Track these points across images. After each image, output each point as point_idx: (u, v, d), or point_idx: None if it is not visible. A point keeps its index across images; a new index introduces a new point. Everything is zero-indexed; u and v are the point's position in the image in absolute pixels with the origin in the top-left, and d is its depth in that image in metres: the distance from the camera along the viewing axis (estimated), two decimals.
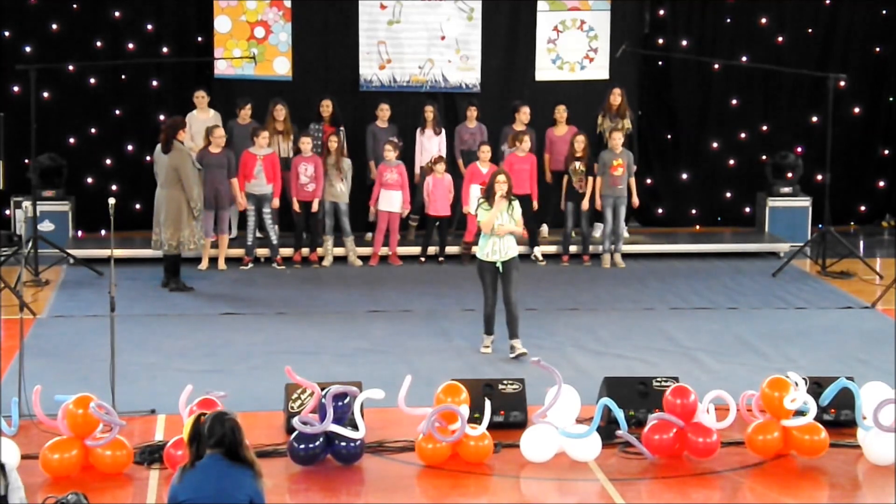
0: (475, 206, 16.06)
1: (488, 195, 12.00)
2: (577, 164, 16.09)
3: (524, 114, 16.52)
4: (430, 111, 16.55)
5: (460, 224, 16.67)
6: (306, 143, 15.84)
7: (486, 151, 16.03)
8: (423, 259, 16.28)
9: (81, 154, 17.37)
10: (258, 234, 16.03)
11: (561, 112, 16.64)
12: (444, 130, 16.66)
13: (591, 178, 16.13)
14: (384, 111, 16.53)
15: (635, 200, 16.24)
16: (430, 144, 16.59)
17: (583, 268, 16.07)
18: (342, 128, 16.42)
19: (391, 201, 16.02)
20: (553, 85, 17.43)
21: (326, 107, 16.39)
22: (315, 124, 16.40)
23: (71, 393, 9.34)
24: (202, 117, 16.11)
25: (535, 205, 16.08)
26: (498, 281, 12.05)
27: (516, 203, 12.02)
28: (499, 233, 11.90)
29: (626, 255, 16.30)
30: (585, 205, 16.09)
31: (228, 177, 15.49)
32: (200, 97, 16.42)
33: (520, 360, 11.80)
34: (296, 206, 15.86)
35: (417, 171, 16.62)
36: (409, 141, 16.73)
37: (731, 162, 18.39)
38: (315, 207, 15.91)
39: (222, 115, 16.65)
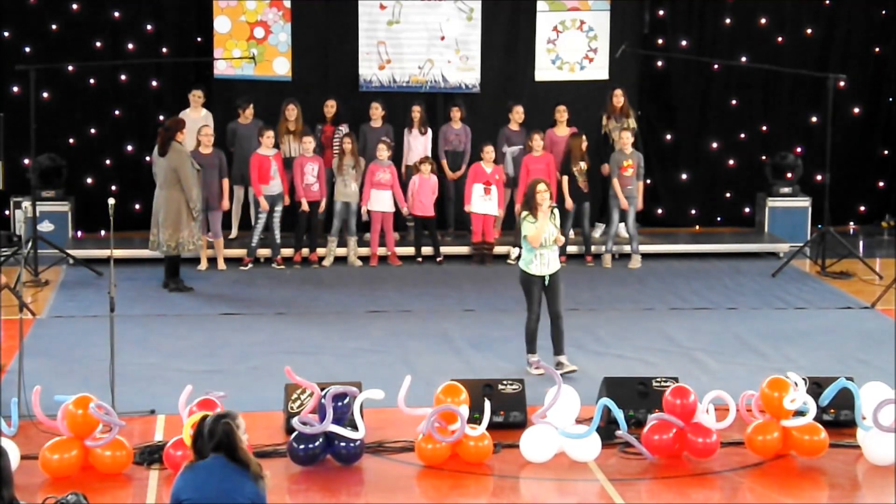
0: (478, 205, 16.15)
1: (530, 206, 11.46)
2: (582, 165, 16.09)
3: (518, 113, 16.57)
4: (416, 111, 16.57)
5: (461, 225, 16.67)
6: (309, 143, 15.85)
7: (489, 151, 16.08)
8: (420, 259, 16.29)
9: (81, 154, 17.37)
10: (261, 235, 15.99)
11: (561, 113, 16.65)
12: (430, 130, 16.67)
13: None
14: (376, 110, 16.52)
15: (639, 203, 16.21)
16: (416, 144, 16.61)
17: (583, 268, 16.06)
18: (343, 126, 16.36)
19: (383, 201, 16.02)
20: (553, 85, 17.43)
21: (330, 107, 16.41)
22: (319, 125, 16.42)
23: (71, 393, 9.35)
24: (194, 116, 16.09)
25: (570, 203, 16.09)
26: (542, 295, 11.63)
27: (557, 210, 11.62)
28: (558, 242, 11.54)
29: (624, 255, 16.31)
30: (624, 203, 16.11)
31: (220, 177, 15.46)
32: (197, 96, 16.42)
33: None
34: (305, 206, 15.83)
35: (403, 170, 16.62)
36: (403, 141, 16.75)
37: (731, 162, 18.39)
38: (323, 207, 15.92)
39: (221, 115, 16.66)
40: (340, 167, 15.96)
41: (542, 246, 11.42)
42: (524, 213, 11.54)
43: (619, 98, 16.63)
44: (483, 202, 16.13)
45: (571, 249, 16.32)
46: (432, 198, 16.28)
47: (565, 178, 16.14)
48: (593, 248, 16.35)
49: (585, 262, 16.17)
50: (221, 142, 16.12)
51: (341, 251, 16.15)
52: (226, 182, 15.53)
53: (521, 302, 14.17)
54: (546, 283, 11.54)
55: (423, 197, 16.19)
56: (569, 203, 16.07)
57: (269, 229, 15.88)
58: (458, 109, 16.70)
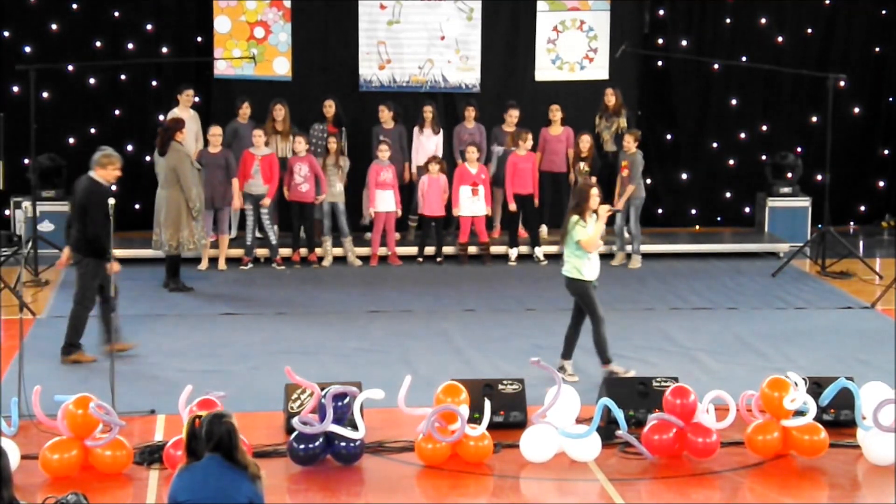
0: (466, 207, 16.15)
1: (580, 210, 11.21)
2: (582, 165, 16.11)
3: (512, 116, 16.58)
4: (428, 111, 16.59)
5: (456, 225, 16.67)
6: (300, 143, 15.86)
7: (472, 152, 16.09)
8: (420, 259, 16.29)
9: (81, 154, 17.25)
10: (258, 235, 16.04)
11: (555, 112, 16.66)
12: (441, 130, 16.69)
13: (594, 179, 16.17)
14: (384, 112, 16.51)
15: (617, 203, 16.00)
16: (429, 144, 16.61)
17: None
18: (343, 128, 16.44)
19: (387, 201, 16.03)
20: (553, 85, 17.44)
21: (329, 107, 16.42)
22: (319, 124, 16.42)
23: (71, 393, 9.34)
24: (183, 115, 16.08)
25: (537, 203, 16.15)
26: None
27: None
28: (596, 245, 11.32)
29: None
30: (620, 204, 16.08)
31: (228, 176, 15.49)
32: (188, 95, 16.37)
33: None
34: (286, 197, 15.86)
35: (414, 170, 16.65)
36: (413, 141, 16.76)
37: (731, 162, 18.40)
38: (323, 201, 15.89)
39: (221, 115, 16.66)
40: (324, 167, 15.96)
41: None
42: (575, 218, 11.24)
43: (610, 97, 16.65)
44: (471, 204, 16.14)
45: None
46: (443, 197, 16.27)
47: (572, 178, 16.16)
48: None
49: (560, 262, 16.15)
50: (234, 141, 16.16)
51: (340, 251, 16.15)
52: (235, 182, 15.53)
53: (521, 301, 14.26)
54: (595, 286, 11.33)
55: (433, 197, 16.19)
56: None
57: (262, 229, 15.91)
58: (472, 109, 16.73)
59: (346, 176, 16.14)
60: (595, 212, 11.30)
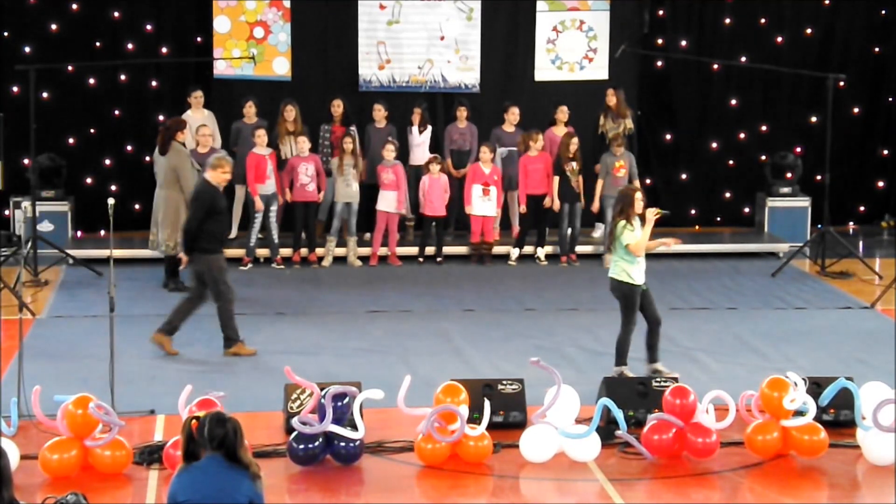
0: (477, 207, 16.16)
1: (625, 214, 11.23)
2: (574, 165, 16.11)
3: (513, 115, 16.59)
4: (416, 111, 16.58)
5: (461, 224, 16.67)
6: (304, 143, 15.86)
7: (486, 151, 16.08)
8: (421, 259, 16.29)
9: (81, 154, 17.37)
10: (258, 235, 16.02)
11: (563, 112, 16.65)
12: (429, 128, 16.66)
13: (580, 178, 16.19)
14: (378, 111, 16.52)
15: (595, 204, 16.23)
16: (418, 142, 16.62)
17: (582, 268, 16.05)
18: (353, 127, 16.42)
19: (389, 201, 16.03)
20: (552, 85, 17.44)
21: (337, 106, 16.41)
22: (327, 125, 16.43)
23: (70, 393, 9.34)
24: (197, 116, 16.12)
25: (557, 204, 16.09)
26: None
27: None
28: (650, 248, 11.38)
29: None
30: (596, 205, 16.11)
31: None
32: (197, 97, 16.41)
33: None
34: (288, 197, 15.89)
35: (408, 169, 16.63)
36: (407, 141, 16.76)
37: (731, 162, 18.39)
38: (337, 202, 15.90)
39: (222, 115, 16.66)
40: (341, 167, 15.97)
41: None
42: (622, 223, 11.26)
43: (611, 98, 16.65)
44: (482, 203, 16.14)
45: (579, 249, 16.34)
46: (444, 197, 16.25)
47: (556, 178, 16.14)
48: (591, 248, 16.37)
49: (560, 262, 16.16)
50: (224, 141, 16.12)
51: (340, 251, 16.15)
52: None
53: (521, 301, 14.25)
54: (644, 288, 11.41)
55: (434, 197, 16.18)
56: (556, 205, 16.09)
57: (266, 229, 15.89)
58: (463, 109, 16.71)
59: (360, 175, 16.17)
60: (640, 216, 11.32)
